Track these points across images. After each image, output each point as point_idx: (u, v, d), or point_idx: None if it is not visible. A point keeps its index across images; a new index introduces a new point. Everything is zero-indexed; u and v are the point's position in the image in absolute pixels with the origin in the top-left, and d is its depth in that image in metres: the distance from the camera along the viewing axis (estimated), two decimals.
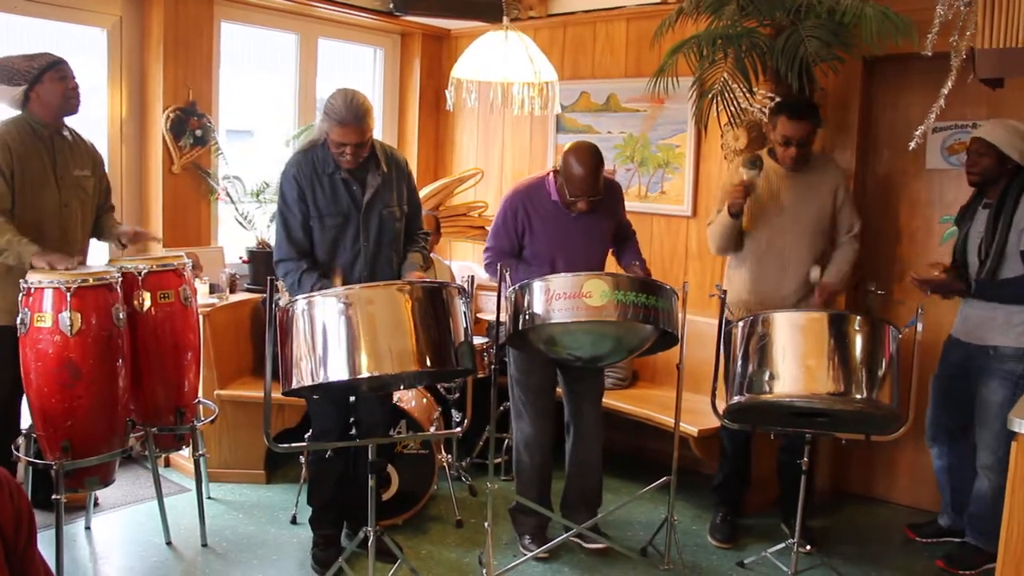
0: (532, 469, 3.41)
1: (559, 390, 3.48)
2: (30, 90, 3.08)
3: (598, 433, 3.46)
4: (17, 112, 3.12)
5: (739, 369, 2.94)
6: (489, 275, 3.42)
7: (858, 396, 2.75)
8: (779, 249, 3.48)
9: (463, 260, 5.24)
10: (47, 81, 3.08)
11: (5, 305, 3.02)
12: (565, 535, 3.36)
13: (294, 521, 3.63)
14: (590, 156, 3.16)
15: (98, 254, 3.62)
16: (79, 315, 2.79)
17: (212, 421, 3.56)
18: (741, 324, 2.98)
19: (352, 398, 3.19)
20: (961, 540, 3.46)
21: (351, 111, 2.90)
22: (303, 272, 2.97)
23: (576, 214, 3.27)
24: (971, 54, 2.80)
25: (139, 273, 3.13)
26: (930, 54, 2.98)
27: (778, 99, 3.53)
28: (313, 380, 2.43)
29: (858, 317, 2.84)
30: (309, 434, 3.40)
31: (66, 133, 3.23)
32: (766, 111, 3.55)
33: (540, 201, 3.31)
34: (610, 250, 3.51)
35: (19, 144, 3.06)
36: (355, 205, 3.04)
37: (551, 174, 3.33)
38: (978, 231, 3.30)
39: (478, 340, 3.85)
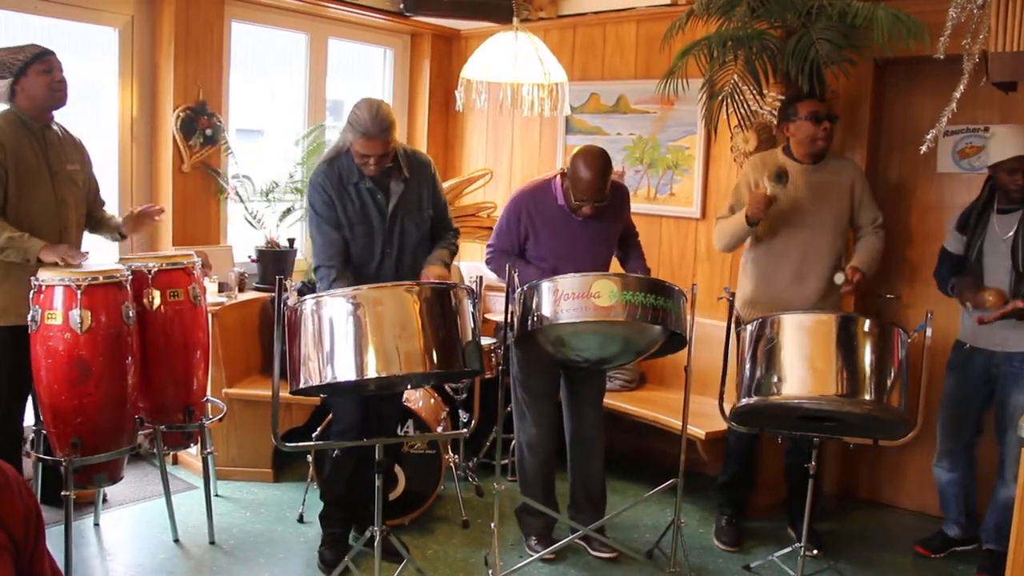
0: (536, 469, 3.41)
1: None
2: (15, 83, 2.99)
3: (600, 437, 3.45)
4: (5, 106, 3.05)
5: (747, 371, 2.93)
6: (490, 270, 3.43)
7: (867, 398, 2.73)
8: (798, 248, 3.46)
9: (471, 261, 5.24)
10: (32, 74, 2.99)
11: (3, 305, 3.02)
12: (571, 536, 3.36)
13: (301, 520, 3.63)
14: (598, 161, 3.14)
15: (107, 252, 3.63)
16: (89, 313, 2.80)
17: (220, 419, 3.57)
18: (750, 327, 2.97)
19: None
20: (986, 549, 3.35)
21: (376, 123, 2.89)
22: (332, 282, 2.97)
23: (582, 218, 3.26)
24: (984, 57, 2.78)
25: (149, 271, 3.15)
26: (942, 57, 2.95)
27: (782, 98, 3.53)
28: (321, 380, 2.43)
29: (867, 320, 2.83)
30: (317, 433, 3.41)
31: (55, 127, 3.16)
32: (776, 117, 3.54)
33: (545, 204, 3.30)
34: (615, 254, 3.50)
35: (11, 139, 2.99)
36: (380, 214, 3.06)
37: (558, 176, 3.31)
38: (1000, 237, 3.24)
39: (486, 341, 3.85)
